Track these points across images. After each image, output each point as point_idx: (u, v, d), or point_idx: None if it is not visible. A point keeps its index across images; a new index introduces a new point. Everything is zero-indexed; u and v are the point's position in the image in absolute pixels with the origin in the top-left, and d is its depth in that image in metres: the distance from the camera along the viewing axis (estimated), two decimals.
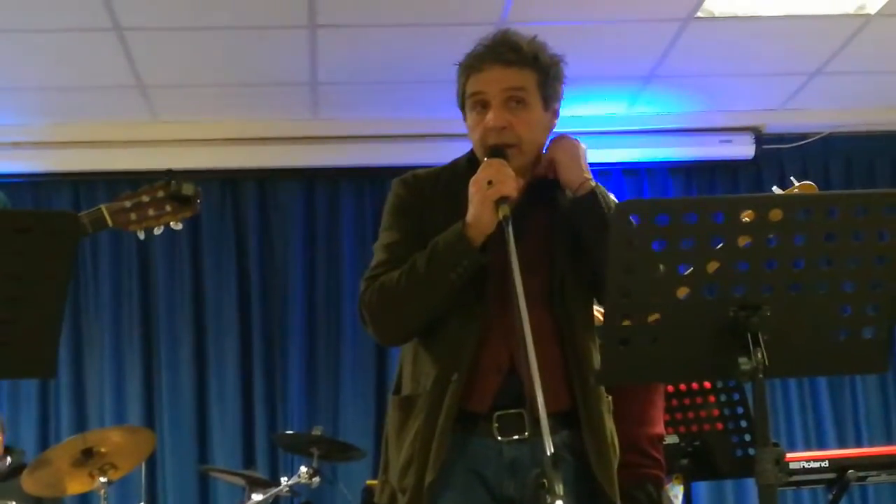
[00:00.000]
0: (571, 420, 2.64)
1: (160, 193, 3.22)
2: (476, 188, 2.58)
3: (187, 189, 3.22)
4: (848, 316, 2.24)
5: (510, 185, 2.57)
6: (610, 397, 2.76)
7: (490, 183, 2.56)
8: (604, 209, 2.66)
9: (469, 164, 2.77)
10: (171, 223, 3.24)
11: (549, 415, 2.22)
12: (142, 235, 3.24)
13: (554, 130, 2.82)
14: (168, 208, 3.23)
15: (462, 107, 2.80)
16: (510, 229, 2.50)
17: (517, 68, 2.70)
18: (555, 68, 2.75)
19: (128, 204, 3.19)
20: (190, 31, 5.51)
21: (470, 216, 2.58)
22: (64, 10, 5.23)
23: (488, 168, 2.60)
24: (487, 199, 2.55)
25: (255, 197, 6.82)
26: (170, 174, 3.25)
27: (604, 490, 2.63)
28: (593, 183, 2.71)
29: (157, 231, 3.24)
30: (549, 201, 2.74)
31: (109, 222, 3.15)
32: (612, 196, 2.76)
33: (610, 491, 2.63)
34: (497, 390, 2.62)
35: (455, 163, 2.84)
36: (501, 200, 2.55)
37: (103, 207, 3.16)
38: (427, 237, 2.65)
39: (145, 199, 3.21)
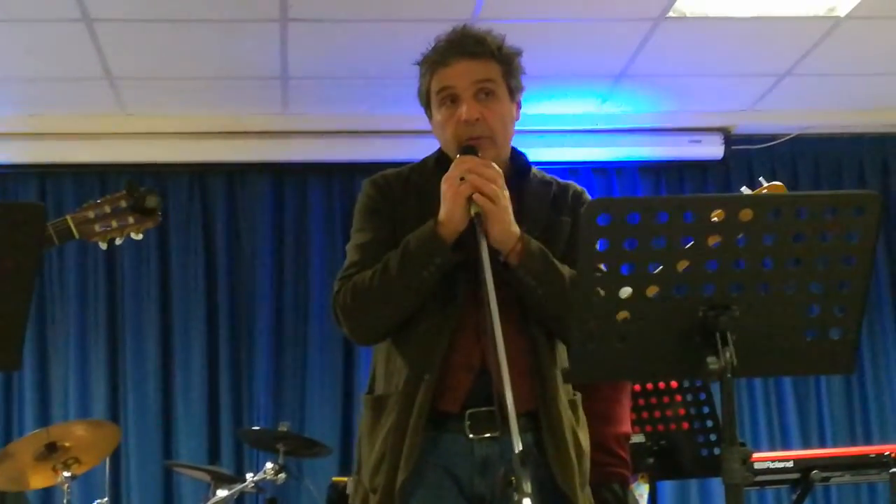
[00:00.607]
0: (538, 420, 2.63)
1: (122, 203, 3.29)
2: (448, 185, 2.56)
3: (150, 201, 3.26)
4: (816, 316, 2.24)
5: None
6: (579, 394, 2.75)
7: (462, 180, 2.54)
8: (534, 284, 2.55)
9: (437, 162, 2.76)
10: (133, 234, 3.28)
11: (518, 415, 2.19)
12: (104, 246, 3.30)
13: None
14: (130, 220, 3.30)
15: (427, 105, 2.77)
16: (481, 226, 2.49)
17: (483, 60, 2.69)
18: (516, 60, 2.75)
19: (91, 214, 3.26)
20: (160, 23, 5.47)
21: (442, 214, 2.56)
22: (32, 0, 5.18)
23: (461, 165, 2.58)
24: (459, 195, 2.53)
25: (224, 191, 6.78)
26: (131, 185, 3.29)
27: (564, 491, 2.61)
28: (521, 243, 2.56)
29: (119, 241, 3.28)
30: (519, 194, 2.69)
31: (75, 234, 3.20)
32: (535, 245, 2.58)
33: (570, 493, 2.61)
34: (469, 390, 2.60)
35: (423, 162, 2.82)
36: None
37: (69, 218, 3.22)
38: (399, 237, 2.63)
39: (107, 209, 3.27)
